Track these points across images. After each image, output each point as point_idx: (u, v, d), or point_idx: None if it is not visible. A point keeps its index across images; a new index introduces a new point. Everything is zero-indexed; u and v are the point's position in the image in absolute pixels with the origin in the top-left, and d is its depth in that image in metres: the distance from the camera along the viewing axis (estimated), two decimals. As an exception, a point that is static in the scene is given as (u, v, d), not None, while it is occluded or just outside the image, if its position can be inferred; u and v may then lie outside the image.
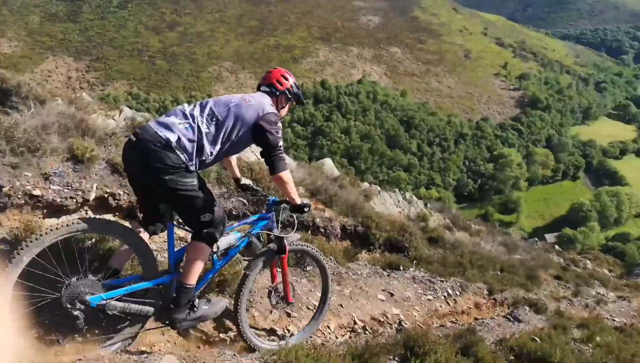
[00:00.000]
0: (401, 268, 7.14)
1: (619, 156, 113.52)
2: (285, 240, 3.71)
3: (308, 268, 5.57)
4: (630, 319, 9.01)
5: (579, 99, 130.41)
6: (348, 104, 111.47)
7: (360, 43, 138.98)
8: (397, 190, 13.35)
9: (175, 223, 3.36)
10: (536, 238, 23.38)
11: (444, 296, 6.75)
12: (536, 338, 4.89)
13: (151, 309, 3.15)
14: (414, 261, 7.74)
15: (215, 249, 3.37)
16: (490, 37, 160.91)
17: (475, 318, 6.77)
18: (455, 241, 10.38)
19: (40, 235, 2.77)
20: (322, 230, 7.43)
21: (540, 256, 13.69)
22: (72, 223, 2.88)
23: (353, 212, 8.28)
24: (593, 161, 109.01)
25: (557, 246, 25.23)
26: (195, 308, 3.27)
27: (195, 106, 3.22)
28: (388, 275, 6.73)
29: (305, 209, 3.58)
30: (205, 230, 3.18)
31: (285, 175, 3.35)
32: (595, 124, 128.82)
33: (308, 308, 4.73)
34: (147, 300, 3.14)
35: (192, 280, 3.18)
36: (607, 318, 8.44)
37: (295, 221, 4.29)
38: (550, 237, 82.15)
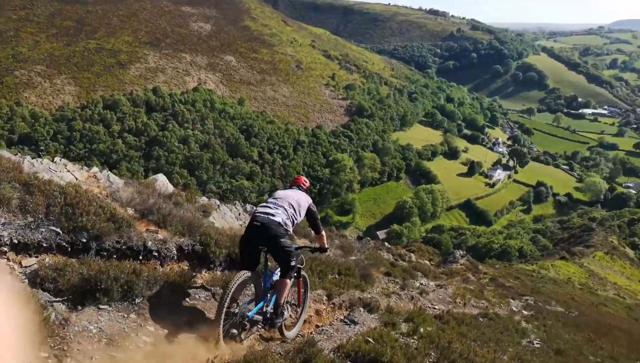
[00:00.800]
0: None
1: (431, 158, 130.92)
2: (302, 271, 6.16)
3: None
4: (447, 305, 10.25)
5: (396, 108, 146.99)
6: (185, 112, 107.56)
7: (192, 50, 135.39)
8: (237, 202, 13.11)
9: (262, 271, 5.73)
10: (368, 237, 25.31)
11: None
12: (370, 340, 5.15)
13: (261, 317, 5.40)
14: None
15: (289, 277, 5.62)
16: (318, 50, 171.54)
17: (317, 326, 6.92)
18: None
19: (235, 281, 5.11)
20: (156, 254, 6.81)
21: (373, 254, 14.83)
22: (245, 274, 5.25)
23: (190, 230, 7.76)
24: (411, 163, 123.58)
25: (386, 243, 27.70)
26: (283, 314, 5.57)
27: (276, 199, 5.78)
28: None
29: (328, 251, 6.51)
30: (289, 272, 5.51)
31: (324, 233, 6.53)
32: (410, 130, 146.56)
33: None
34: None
35: (283, 300, 5.49)
36: (429, 307, 9.47)
37: (303, 259, 6.47)
38: (381, 234, 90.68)
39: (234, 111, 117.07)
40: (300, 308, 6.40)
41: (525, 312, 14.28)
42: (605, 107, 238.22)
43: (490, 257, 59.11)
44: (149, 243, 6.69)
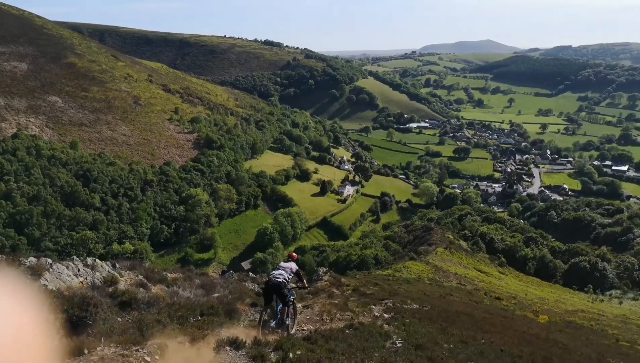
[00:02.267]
0: (86, 351, 6.09)
1: (285, 182, 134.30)
2: (294, 301, 11.01)
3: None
4: (315, 324, 10.40)
5: (245, 137, 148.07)
6: (4, 164, 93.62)
7: (6, 93, 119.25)
8: (75, 258, 11.64)
9: (276, 303, 10.30)
10: (232, 271, 24.63)
11: (144, 364, 6.11)
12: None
13: (275, 325, 9.88)
14: (102, 338, 6.75)
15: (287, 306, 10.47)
16: (157, 84, 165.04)
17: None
18: (151, 298, 9.73)
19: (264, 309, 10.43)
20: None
21: (237, 288, 14.42)
22: (267, 307, 10.20)
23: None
24: (267, 190, 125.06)
25: (251, 273, 27.31)
26: (285, 323, 10.35)
27: (280, 268, 10.67)
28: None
29: (308, 288, 14.31)
30: (286, 303, 10.25)
31: (305, 280, 11.94)
32: (262, 157, 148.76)
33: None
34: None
35: (284, 316, 10.32)
36: (297, 330, 9.48)
37: (295, 293, 11.21)
38: (246, 264, 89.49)
39: (66, 156, 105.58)
40: (294, 318, 11.21)
41: (386, 315, 15.22)
42: (427, 120, 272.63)
43: (351, 269, 62.29)
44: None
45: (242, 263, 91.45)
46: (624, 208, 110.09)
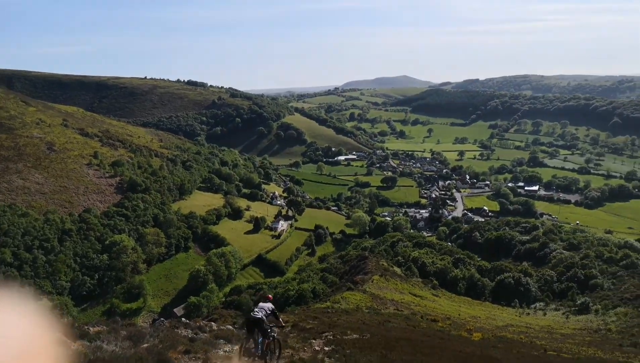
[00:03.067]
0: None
1: (216, 221, 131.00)
2: (275, 335, 12.55)
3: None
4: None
5: (172, 178, 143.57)
6: None
7: None
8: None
9: (257, 335, 12.05)
10: (162, 318, 23.31)
11: None
12: None
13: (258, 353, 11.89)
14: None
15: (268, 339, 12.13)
16: (73, 128, 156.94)
17: None
18: (70, 357, 8.87)
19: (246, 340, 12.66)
20: None
21: (168, 335, 13.57)
22: (250, 338, 12.22)
23: None
24: (198, 230, 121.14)
25: (184, 318, 25.93)
26: (267, 353, 11.97)
27: (259, 308, 12.39)
28: None
29: (284, 327, 16.40)
30: (266, 335, 11.90)
31: (280, 319, 13.29)
32: (191, 197, 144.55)
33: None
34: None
35: (265, 347, 11.93)
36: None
37: (275, 330, 12.68)
38: (178, 310, 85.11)
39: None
40: (280, 352, 12.99)
41: (326, 348, 14.98)
42: (354, 152, 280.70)
43: (289, 305, 61.19)
44: None
45: (175, 309, 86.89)
46: (539, 225, 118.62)
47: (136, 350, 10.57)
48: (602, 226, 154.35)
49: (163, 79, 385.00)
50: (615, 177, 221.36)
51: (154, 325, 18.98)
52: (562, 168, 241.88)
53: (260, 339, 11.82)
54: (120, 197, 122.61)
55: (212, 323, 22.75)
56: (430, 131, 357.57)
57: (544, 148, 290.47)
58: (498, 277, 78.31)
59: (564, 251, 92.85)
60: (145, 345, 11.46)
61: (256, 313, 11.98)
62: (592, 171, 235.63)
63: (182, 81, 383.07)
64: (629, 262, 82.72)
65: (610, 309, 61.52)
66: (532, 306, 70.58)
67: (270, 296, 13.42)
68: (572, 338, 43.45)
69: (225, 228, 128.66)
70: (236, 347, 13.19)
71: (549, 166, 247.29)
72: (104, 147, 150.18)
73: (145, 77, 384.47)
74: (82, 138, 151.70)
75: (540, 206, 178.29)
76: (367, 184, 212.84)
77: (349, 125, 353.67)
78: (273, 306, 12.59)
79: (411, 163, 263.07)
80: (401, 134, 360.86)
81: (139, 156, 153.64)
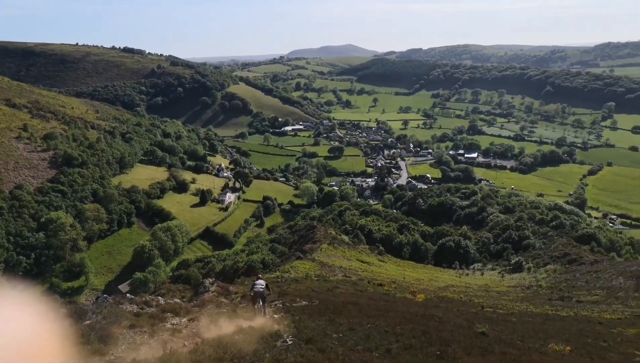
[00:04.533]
0: None
1: (161, 195, 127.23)
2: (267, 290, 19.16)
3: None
4: (202, 336, 9.92)
5: (111, 151, 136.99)
6: None
7: None
8: None
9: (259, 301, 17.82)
10: (105, 295, 22.62)
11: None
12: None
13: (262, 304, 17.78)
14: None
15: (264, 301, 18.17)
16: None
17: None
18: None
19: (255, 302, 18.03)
20: None
21: (112, 311, 13.21)
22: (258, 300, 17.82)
23: None
24: (141, 205, 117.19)
25: (129, 294, 25.31)
26: (265, 310, 17.43)
27: (257, 283, 17.85)
28: None
29: (270, 294, 20.79)
30: (265, 300, 17.75)
31: (269, 289, 19.81)
32: (132, 171, 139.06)
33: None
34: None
35: (264, 308, 17.66)
36: (184, 345, 8.94)
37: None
38: (124, 287, 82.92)
39: None
40: (265, 307, 17.42)
41: (276, 316, 15.19)
42: (301, 122, 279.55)
43: (238, 276, 61.11)
44: None
45: (120, 286, 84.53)
46: (477, 191, 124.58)
47: (77, 327, 10.22)
48: (534, 189, 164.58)
49: (97, 46, 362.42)
50: (547, 143, 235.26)
51: (96, 302, 18.42)
52: (499, 136, 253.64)
53: (261, 304, 17.09)
54: (55, 172, 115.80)
55: (159, 298, 22.35)
56: (375, 100, 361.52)
57: (482, 116, 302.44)
58: (440, 241, 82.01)
59: (500, 215, 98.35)
60: (88, 322, 11.12)
61: (259, 288, 17.38)
62: (526, 138, 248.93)
63: (118, 48, 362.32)
64: (558, 223, 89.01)
65: (541, 267, 66.32)
66: (471, 267, 74.74)
67: (260, 275, 20.62)
68: (507, 295, 46.58)
69: (171, 202, 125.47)
70: (184, 320, 13.07)
71: (487, 134, 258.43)
72: (34, 119, 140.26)
73: (77, 44, 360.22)
74: (9, 109, 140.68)
75: (479, 173, 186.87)
76: (314, 155, 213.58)
77: (295, 95, 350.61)
78: (265, 282, 18.14)
79: (357, 133, 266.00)
80: (347, 104, 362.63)
81: (74, 129, 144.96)
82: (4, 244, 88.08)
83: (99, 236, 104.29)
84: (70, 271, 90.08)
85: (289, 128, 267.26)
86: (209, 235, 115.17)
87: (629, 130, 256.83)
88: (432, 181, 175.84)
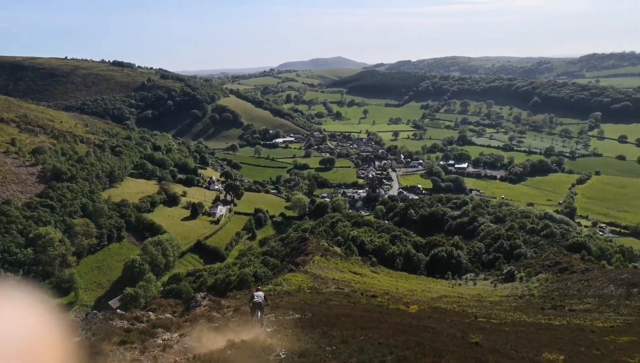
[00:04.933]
0: None
1: (151, 209, 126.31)
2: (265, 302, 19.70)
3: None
4: (194, 350, 9.78)
5: (100, 165, 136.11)
6: None
7: None
8: None
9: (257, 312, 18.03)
10: (95, 311, 22.30)
11: None
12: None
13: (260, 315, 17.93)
14: None
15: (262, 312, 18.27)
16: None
17: None
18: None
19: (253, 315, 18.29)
20: None
21: (102, 328, 13.00)
22: (255, 313, 17.95)
23: None
24: (131, 219, 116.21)
25: (119, 310, 24.94)
26: (263, 323, 17.67)
27: (257, 295, 18.14)
28: None
29: (268, 305, 21.19)
30: (263, 312, 17.89)
31: (268, 302, 20.68)
32: (122, 185, 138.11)
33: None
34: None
35: (263, 319, 17.67)
36: (175, 360, 8.80)
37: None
38: (114, 302, 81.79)
39: None
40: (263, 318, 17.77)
41: (268, 330, 15.03)
42: (291, 135, 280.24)
43: (230, 290, 60.56)
44: None
45: (110, 302, 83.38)
46: (468, 201, 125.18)
47: (68, 344, 10.03)
48: (524, 199, 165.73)
49: (86, 60, 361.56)
50: (535, 153, 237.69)
51: (86, 318, 18.12)
52: (489, 146, 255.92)
53: (258, 315, 17.47)
54: (43, 187, 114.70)
55: (150, 313, 22.05)
56: (365, 112, 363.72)
57: (471, 126, 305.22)
58: (432, 252, 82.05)
59: (491, 224, 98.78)
60: (78, 339, 10.92)
61: (257, 299, 17.84)
62: (515, 148, 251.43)
63: (107, 61, 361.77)
64: (549, 232, 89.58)
65: (533, 276, 66.52)
66: (464, 277, 74.77)
67: (259, 287, 21.29)
68: (500, 305, 46.61)
69: (161, 216, 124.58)
70: (175, 335, 12.91)
71: (476, 144, 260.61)
72: (22, 133, 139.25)
73: (66, 58, 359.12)
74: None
75: (469, 183, 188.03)
76: (305, 166, 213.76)
77: (285, 107, 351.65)
78: (263, 293, 18.77)
79: (348, 144, 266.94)
80: (338, 116, 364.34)
81: (63, 143, 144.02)
82: None
83: (88, 251, 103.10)
84: (59, 287, 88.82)
85: (279, 140, 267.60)
86: (200, 249, 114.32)
87: (615, 139, 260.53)
88: (423, 191, 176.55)
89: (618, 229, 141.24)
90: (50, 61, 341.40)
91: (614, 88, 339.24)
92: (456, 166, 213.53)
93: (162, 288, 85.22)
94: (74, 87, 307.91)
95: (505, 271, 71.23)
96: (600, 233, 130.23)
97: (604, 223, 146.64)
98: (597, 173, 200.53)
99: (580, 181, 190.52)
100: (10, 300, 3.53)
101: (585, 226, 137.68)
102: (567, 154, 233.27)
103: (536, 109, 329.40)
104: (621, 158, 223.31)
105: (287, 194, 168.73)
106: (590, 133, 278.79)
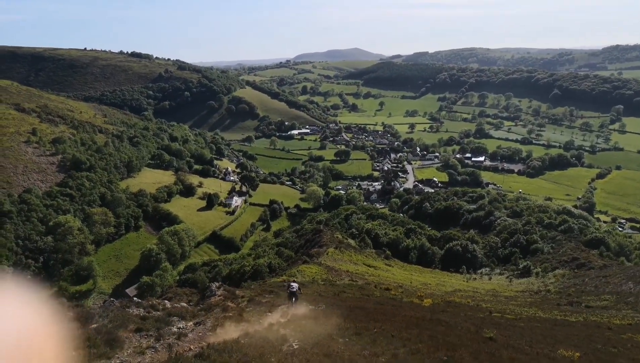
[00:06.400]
0: None
1: (168, 199, 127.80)
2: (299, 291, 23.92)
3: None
4: (209, 339, 9.90)
5: (119, 155, 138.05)
6: None
7: None
8: None
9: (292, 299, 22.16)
10: (112, 298, 22.75)
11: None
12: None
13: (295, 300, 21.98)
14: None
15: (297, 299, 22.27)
16: (7, 104, 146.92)
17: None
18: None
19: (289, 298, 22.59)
20: None
21: (118, 315, 13.24)
22: (292, 297, 21.96)
23: None
24: (149, 209, 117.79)
25: (136, 298, 25.35)
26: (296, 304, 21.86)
27: (293, 283, 23.16)
28: None
29: (302, 293, 24.95)
30: (297, 297, 22.04)
31: (301, 290, 24.01)
32: (140, 175, 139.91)
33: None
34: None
35: (296, 304, 21.28)
36: (190, 349, 8.93)
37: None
38: (131, 291, 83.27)
39: None
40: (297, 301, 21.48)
41: (282, 320, 15.12)
42: (307, 126, 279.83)
43: (245, 280, 61.15)
44: None
45: (127, 290, 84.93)
46: (485, 194, 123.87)
47: (84, 330, 10.25)
48: (542, 193, 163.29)
49: (105, 51, 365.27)
50: (554, 147, 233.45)
51: (103, 305, 18.46)
52: (507, 139, 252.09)
53: (294, 300, 21.04)
54: (63, 176, 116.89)
55: (166, 301, 22.39)
56: (381, 104, 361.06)
57: (489, 119, 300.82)
58: (447, 245, 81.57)
59: (508, 219, 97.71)
60: (94, 326, 11.14)
61: (293, 288, 21.69)
62: (533, 141, 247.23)
63: (126, 52, 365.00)
64: (567, 227, 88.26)
65: (549, 271, 65.75)
66: (479, 271, 74.25)
67: (294, 278, 27.20)
68: (515, 300, 46.20)
69: (178, 206, 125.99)
70: (190, 323, 13.06)
71: (494, 137, 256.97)
72: (43, 123, 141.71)
73: (85, 49, 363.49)
74: (18, 113, 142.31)
75: (486, 176, 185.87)
76: (321, 158, 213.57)
77: (301, 98, 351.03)
78: (297, 285, 22.57)
79: (364, 136, 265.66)
80: (353, 108, 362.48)
81: (82, 133, 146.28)
82: (13, 247, 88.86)
83: (106, 239, 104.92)
84: (78, 274, 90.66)
85: (295, 132, 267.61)
86: (216, 239, 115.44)
87: (637, 133, 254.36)
88: (439, 184, 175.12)
89: (638, 225, 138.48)
90: (70, 52, 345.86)
91: (637, 81, 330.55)
92: (473, 159, 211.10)
93: (177, 278, 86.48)
94: (92, 78, 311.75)
95: (521, 266, 70.53)
96: (620, 229, 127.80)
97: (623, 218, 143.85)
98: (618, 168, 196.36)
99: (600, 176, 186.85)
100: (12, 300, 3.58)
101: (605, 222, 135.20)
102: (587, 148, 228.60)
103: (556, 102, 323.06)
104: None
105: (302, 186, 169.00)
106: (611, 127, 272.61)
